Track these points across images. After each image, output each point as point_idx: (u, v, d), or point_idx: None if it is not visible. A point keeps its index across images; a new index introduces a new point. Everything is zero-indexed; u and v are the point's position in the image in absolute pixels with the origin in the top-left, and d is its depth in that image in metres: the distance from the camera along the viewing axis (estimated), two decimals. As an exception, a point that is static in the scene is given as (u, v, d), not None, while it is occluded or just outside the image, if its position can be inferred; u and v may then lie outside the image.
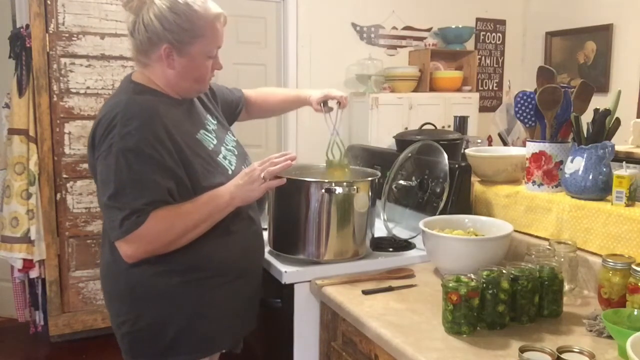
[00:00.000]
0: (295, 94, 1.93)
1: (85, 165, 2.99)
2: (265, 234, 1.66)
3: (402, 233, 1.82)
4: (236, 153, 1.55)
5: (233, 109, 1.80)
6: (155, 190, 1.29)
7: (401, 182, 1.86)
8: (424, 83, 4.23)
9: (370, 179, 1.64)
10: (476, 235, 1.57)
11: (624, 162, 1.54)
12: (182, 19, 1.33)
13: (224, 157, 1.47)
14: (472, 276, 1.24)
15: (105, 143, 1.29)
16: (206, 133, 1.47)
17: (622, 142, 2.63)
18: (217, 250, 1.39)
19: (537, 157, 1.65)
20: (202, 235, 1.36)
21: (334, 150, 1.73)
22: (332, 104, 1.81)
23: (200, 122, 1.49)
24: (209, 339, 1.42)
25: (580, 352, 1.06)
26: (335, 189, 1.55)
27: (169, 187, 1.31)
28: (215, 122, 1.56)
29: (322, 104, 1.80)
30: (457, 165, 1.79)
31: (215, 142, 1.47)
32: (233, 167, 1.48)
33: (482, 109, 4.57)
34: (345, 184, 1.57)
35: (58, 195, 3.01)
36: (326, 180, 1.57)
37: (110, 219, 1.30)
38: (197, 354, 1.41)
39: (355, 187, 1.57)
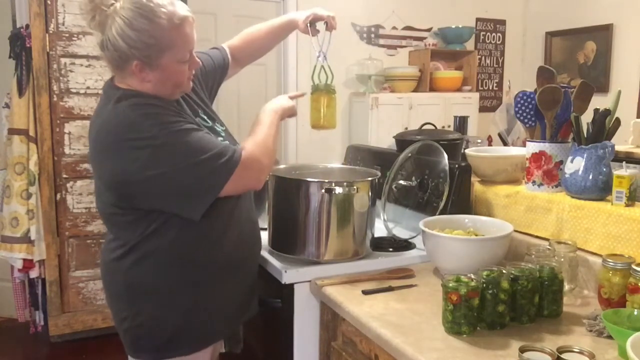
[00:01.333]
0: (280, 21, 1.82)
1: (85, 165, 3.00)
2: (265, 234, 1.66)
3: (402, 233, 1.82)
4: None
5: (220, 72, 1.73)
6: (218, 141, 1.36)
7: (401, 182, 1.86)
8: (424, 83, 4.23)
9: (370, 179, 1.64)
10: (476, 235, 1.57)
11: (624, 162, 1.54)
12: (145, 35, 1.25)
13: None
14: (472, 276, 1.24)
15: (142, 142, 1.26)
16: (203, 123, 1.46)
17: (622, 142, 2.64)
18: (215, 245, 1.39)
19: (537, 157, 1.65)
20: (199, 231, 1.35)
21: (320, 75, 1.68)
22: (320, 26, 1.75)
23: (192, 118, 1.46)
24: (208, 331, 1.42)
25: (580, 352, 1.06)
26: (335, 189, 1.55)
27: None
28: (202, 112, 1.53)
29: (309, 25, 1.72)
30: (457, 165, 1.79)
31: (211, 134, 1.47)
32: None
33: (482, 109, 4.57)
34: (345, 183, 1.57)
35: (58, 195, 3.01)
36: (326, 180, 1.57)
37: (212, 172, 1.29)
38: (197, 346, 1.41)
39: (355, 187, 1.57)
